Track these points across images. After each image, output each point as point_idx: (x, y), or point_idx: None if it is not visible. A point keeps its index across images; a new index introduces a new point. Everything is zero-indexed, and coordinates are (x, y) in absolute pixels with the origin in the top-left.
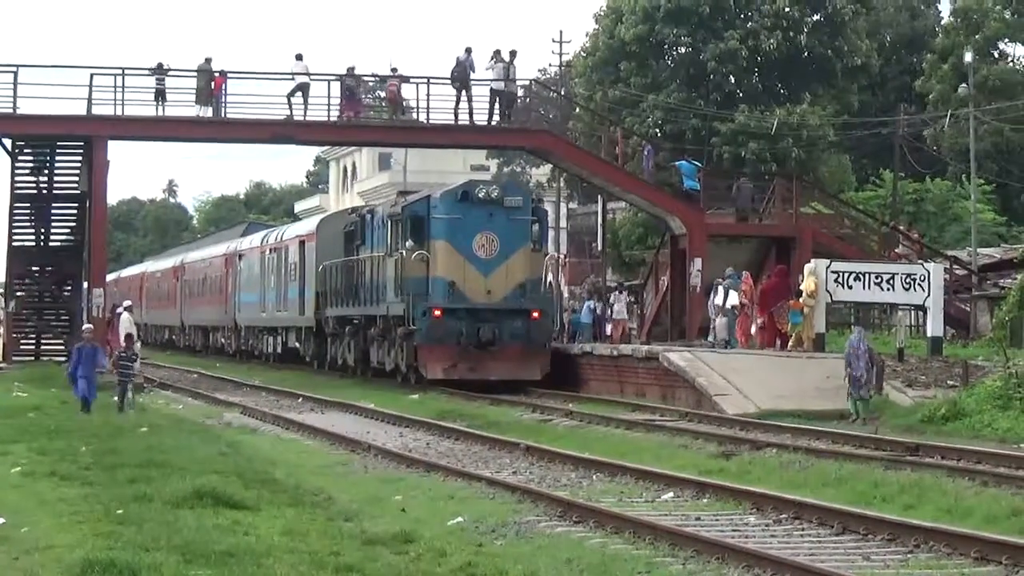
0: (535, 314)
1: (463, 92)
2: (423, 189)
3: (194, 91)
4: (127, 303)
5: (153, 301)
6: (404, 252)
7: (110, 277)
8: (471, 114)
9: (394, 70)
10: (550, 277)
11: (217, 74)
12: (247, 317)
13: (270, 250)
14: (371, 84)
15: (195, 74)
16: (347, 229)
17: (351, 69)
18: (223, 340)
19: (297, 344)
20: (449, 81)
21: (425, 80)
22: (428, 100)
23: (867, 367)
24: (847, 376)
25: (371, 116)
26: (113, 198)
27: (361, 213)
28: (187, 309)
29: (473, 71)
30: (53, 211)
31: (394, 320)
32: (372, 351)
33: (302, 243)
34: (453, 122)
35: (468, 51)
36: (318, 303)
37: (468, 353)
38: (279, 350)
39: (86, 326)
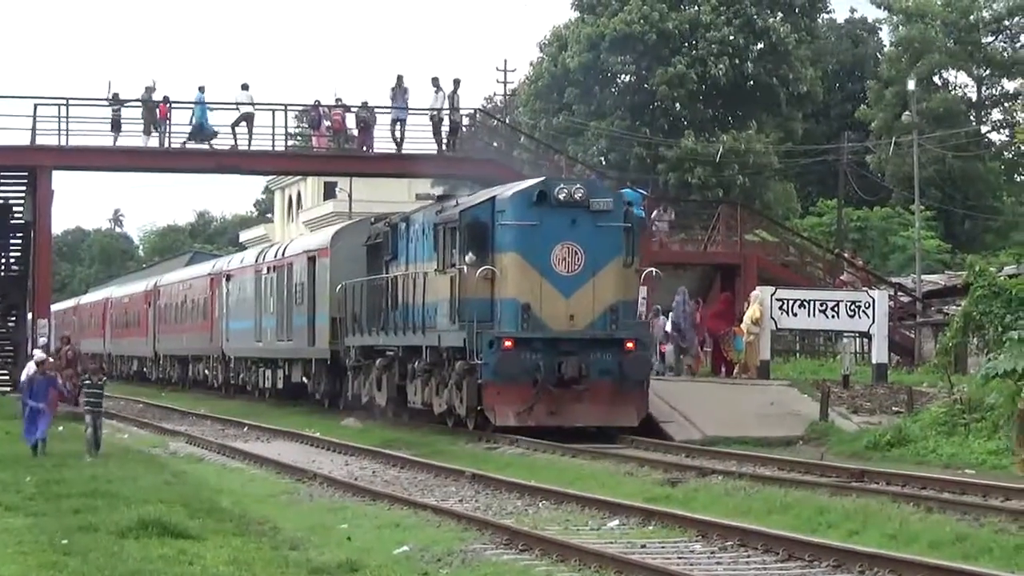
0: (629, 344)
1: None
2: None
3: (141, 121)
4: (41, 357)
5: (120, 329)
6: (465, 268)
7: (69, 304)
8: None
9: (338, 99)
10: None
11: (161, 101)
12: (238, 347)
13: (268, 269)
14: (314, 115)
15: (147, 102)
16: (371, 242)
17: (364, 102)
18: (207, 372)
19: (304, 379)
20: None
21: (368, 110)
22: (373, 130)
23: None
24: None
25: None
26: (58, 228)
27: (391, 222)
28: (162, 338)
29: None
30: None
31: (448, 352)
32: (411, 389)
33: (311, 259)
34: (396, 151)
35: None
36: (333, 331)
37: (547, 394)
38: (279, 385)
39: (39, 355)
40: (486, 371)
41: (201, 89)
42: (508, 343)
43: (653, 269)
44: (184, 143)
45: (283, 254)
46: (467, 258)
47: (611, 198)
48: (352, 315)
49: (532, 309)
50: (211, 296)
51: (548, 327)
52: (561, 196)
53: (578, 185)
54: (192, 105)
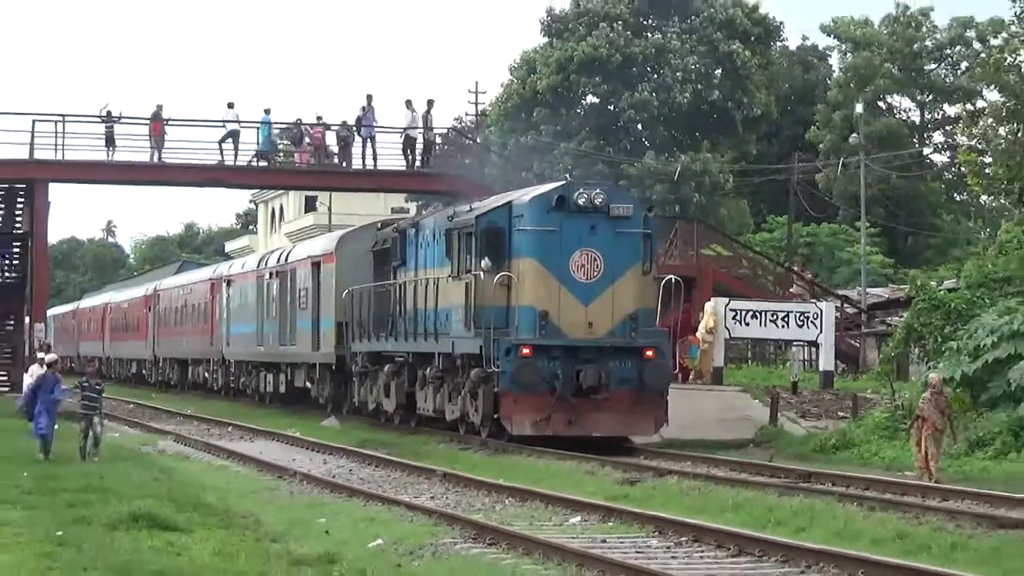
0: (649, 353)
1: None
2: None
3: (137, 136)
4: (50, 357)
5: (119, 333)
6: (482, 274)
7: (68, 308)
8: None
9: (319, 118)
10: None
11: (153, 119)
12: (238, 351)
13: (271, 274)
14: (296, 133)
15: (138, 120)
16: (378, 247)
17: (344, 121)
18: (207, 375)
19: (308, 383)
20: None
21: (348, 129)
22: (352, 147)
23: None
24: None
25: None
26: (54, 237)
27: (400, 227)
28: (161, 341)
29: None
30: None
31: (463, 359)
32: (421, 396)
33: (316, 265)
34: (373, 167)
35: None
36: (338, 336)
37: (565, 403)
38: (281, 389)
39: (50, 356)
40: (503, 379)
41: (267, 111)
42: (526, 351)
43: (673, 276)
44: (249, 162)
45: (286, 259)
46: (483, 264)
47: (631, 204)
48: (358, 321)
49: (550, 316)
50: (211, 301)
51: (566, 335)
52: (581, 201)
53: (598, 190)
54: (258, 125)
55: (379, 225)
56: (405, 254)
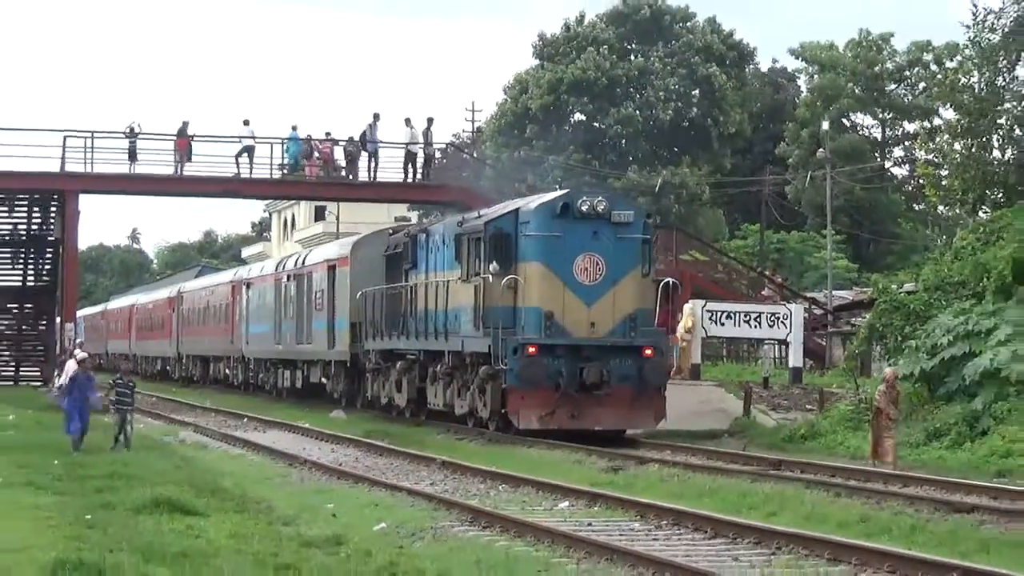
0: (648, 351)
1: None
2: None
3: (160, 151)
4: (81, 355)
5: (144, 332)
6: (491, 277)
7: (97, 309)
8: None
9: (328, 134)
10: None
11: (177, 137)
12: (257, 349)
13: (288, 277)
14: (306, 148)
15: (164, 136)
16: (390, 252)
17: (351, 137)
18: (228, 371)
19: (323, 379)
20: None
21: (354, 144)
22: (358, 161)
23: None
24: None
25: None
26: (83, 244)
27: (411, 233)
28: (184, 340)
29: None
30: (31, 255)
31: (472, 357)
32: (432, 392)
33: (331, 268)
34: (373, 179)
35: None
36: (352, 335)
37: (569, 398)
38: (298, 385)
39: (80, 354)
40: (510, 376)
41: (295, 128)
42: (532, 349)
43: (671, 279)
44: (284, 175)
45: (303, 263)
46: (491, 267)
47: (632, 210)
48: (372, 320)
49: (555, 317)
50: (232, 302)
51: (570, 334)
52: (584, 208)
53: (600, 197)
54: (272, 141)
55: (391, 231)
56: (416, 258)
